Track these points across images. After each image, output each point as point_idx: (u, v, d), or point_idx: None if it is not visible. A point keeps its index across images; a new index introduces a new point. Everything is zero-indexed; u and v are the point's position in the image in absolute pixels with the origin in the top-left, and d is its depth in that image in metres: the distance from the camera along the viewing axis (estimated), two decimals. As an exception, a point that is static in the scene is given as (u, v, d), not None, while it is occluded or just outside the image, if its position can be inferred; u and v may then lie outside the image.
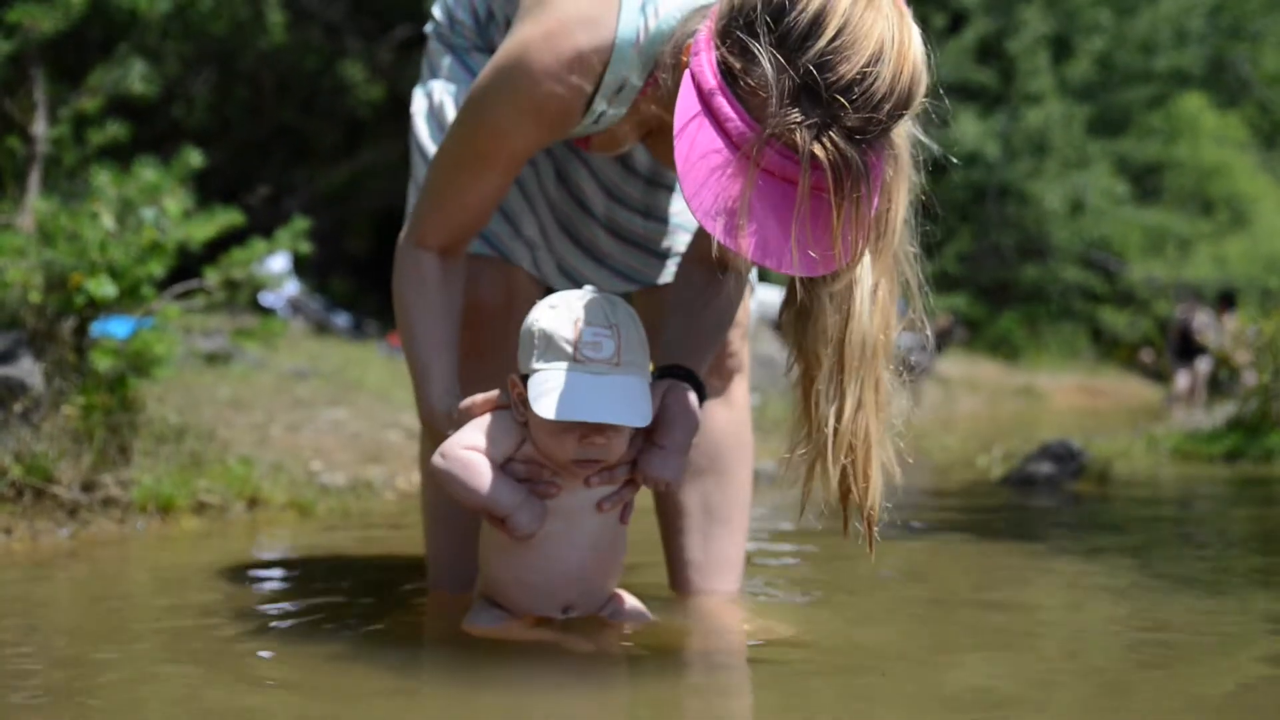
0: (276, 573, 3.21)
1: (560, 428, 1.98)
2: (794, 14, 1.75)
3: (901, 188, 1.89)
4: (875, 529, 1.99)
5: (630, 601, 2.27)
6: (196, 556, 3.38)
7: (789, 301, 2.01)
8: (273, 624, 2.44)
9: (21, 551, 3.30)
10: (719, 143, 1.79)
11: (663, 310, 2.39)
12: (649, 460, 2.09)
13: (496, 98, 2.08)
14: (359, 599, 2.67)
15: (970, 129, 20.44)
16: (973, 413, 12.36)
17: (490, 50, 2.43)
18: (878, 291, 1.92)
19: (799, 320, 1.99)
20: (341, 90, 13.87)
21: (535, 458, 2.07)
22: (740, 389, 2.59)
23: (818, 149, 1.74)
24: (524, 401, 2.02)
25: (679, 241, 2.54)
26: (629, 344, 2.01)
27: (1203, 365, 15.16)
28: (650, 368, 2.09)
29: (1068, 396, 16.71)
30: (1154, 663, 2.16)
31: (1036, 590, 2.92)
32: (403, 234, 2.26)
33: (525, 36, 2.05)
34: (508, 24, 2.38)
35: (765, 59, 1.76)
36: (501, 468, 2.06)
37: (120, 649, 2.26)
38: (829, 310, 1.92)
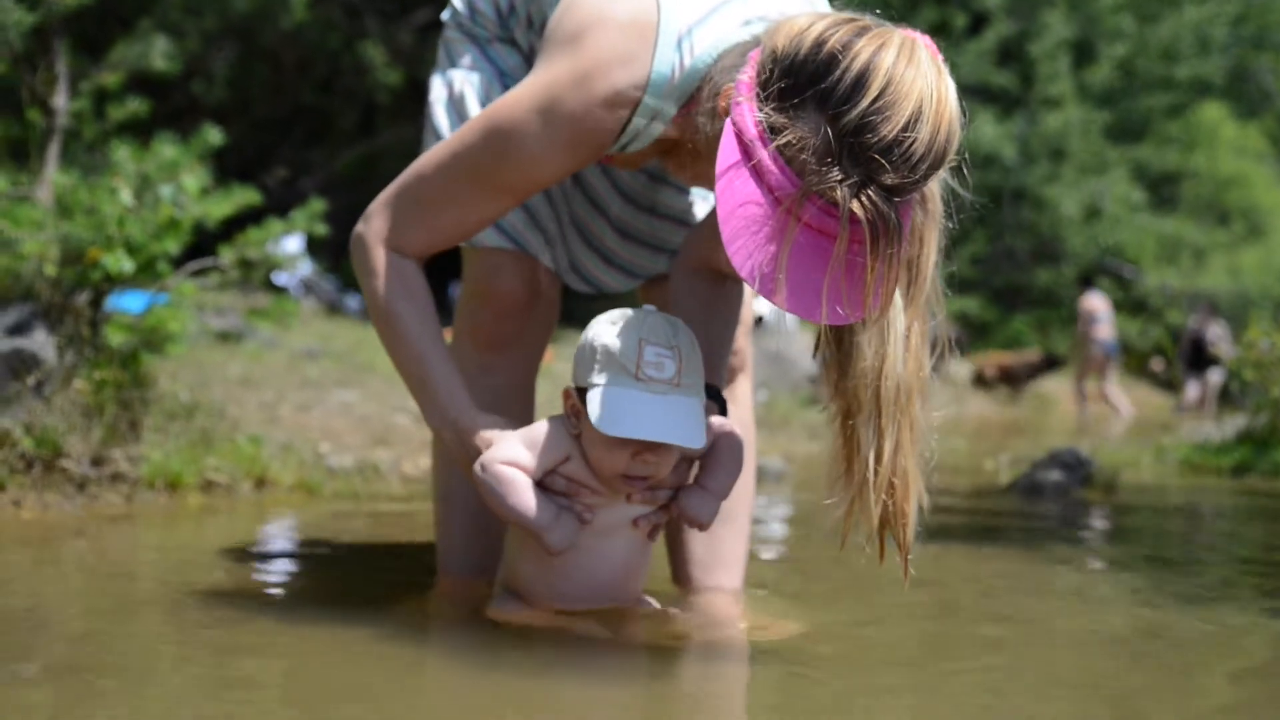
0: (283, 553, 3.22)
1: (615, 443, 2.01)
2: (839, 72, 1.77)
3: (933, 233, 1.93)
4: (910, 558, 2.04)
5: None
6: (203, 534, 3.40)
7: (824, 345, 2.04)
8: (279, 605, 2.45)
9: (30, 523, 3.31)
10: (758, 194, 1.81)
11: (667, 302, 2.40)
12: (689, 499, 2.14)
13: (529, 134, 2.04)
14: (366, 582, 2.67)
15: (988, 131, 20.42)
16: (981, 415, 12.35)
17: (511, 42, 2.43)
18: (911, 335, 1.96)
19: (837, 363, 2.03)
20: (361, 72, 13.89)
21: (578, 476, 2.09)
22: (744, 386, 2.59)
23: (856, 207, 1.77)
24: (577, 414, 2.06)
25: (680, 237, 2.55)
26: (690, 366, 2.04)
27: (1214, 376, 15.14)
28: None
29: (1077, 403, 16.66)
30: (1157, 675, 2.16)
31: (1041, 598, 2.92)
32: (374, 231, 2.16)
33: (560, 75, 2.03)
34: (529, 20, 2.37)
35: (808, 116, 1.78)
36: (540, 482, 2.08)
37: (127, 625, 2.26)
38: (865, 354, 1.95)
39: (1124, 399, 15.28)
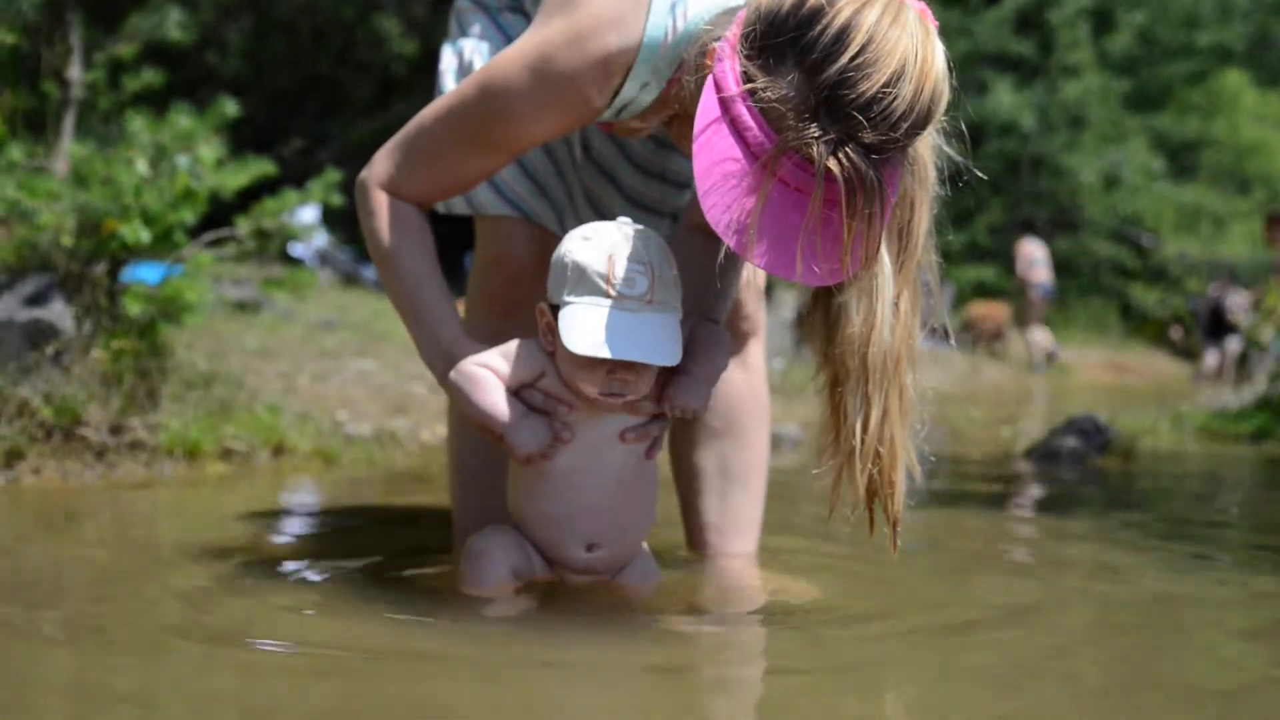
0: (301, 520, 3.24)
1: (589, 361, 1.97)
2: (819, 28, 1.76)
3: (924, 200, 1.90)
4: (899, 529, 2.02)
5: (644, 558, 2.25)
6: (222, 502, 3.42)
7: (811, 310, 2.02)
8: (296, 571, 2.47)
9: (50, 491, 3.33)
10: (736, 150, 1.80)
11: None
12: (677, 387, 2.09)
13: (520, 91, 2.05)
14: (383, 549, 2.69)
15: (1006, 99, 20.29)
16: (998, 385, 12.32)
17: (520, 11, 2.43)
18: (900, 302, 1.93)
19: (824, 329, 2.01)
20: (376, 43, 13.85)
21: (555, 392, 2.06)
22: (756, 351, 2.59)
23: (833, 164, 1.75)
24: (551, 331, 2.03)
25: (686, 200, 2.55)
26: (663, 281, 2.00)
27: (1232, 345, 15.07)
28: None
29: (1094, 372, 16.63)
30: (1171, 641, 2.16)
31: (1058, 562, 2.92)
32: (375, 176, 2.18)
33: (553, 35, 2.03)
34: None
35: (787, 72, 1.77)
36: (515, 393, 2.06)
37: (147, 589, 2.28)
38: (853, 321, 1.93)
39: (1049, 337, 15.47)
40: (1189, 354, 18.55)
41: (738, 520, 2.57)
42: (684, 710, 1.70)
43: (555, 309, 2.02)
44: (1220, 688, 1.88)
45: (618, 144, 2.49)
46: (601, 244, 2.00)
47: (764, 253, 1.79)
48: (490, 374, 2.05)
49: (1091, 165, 21.24)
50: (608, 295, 1.97)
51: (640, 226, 2.06)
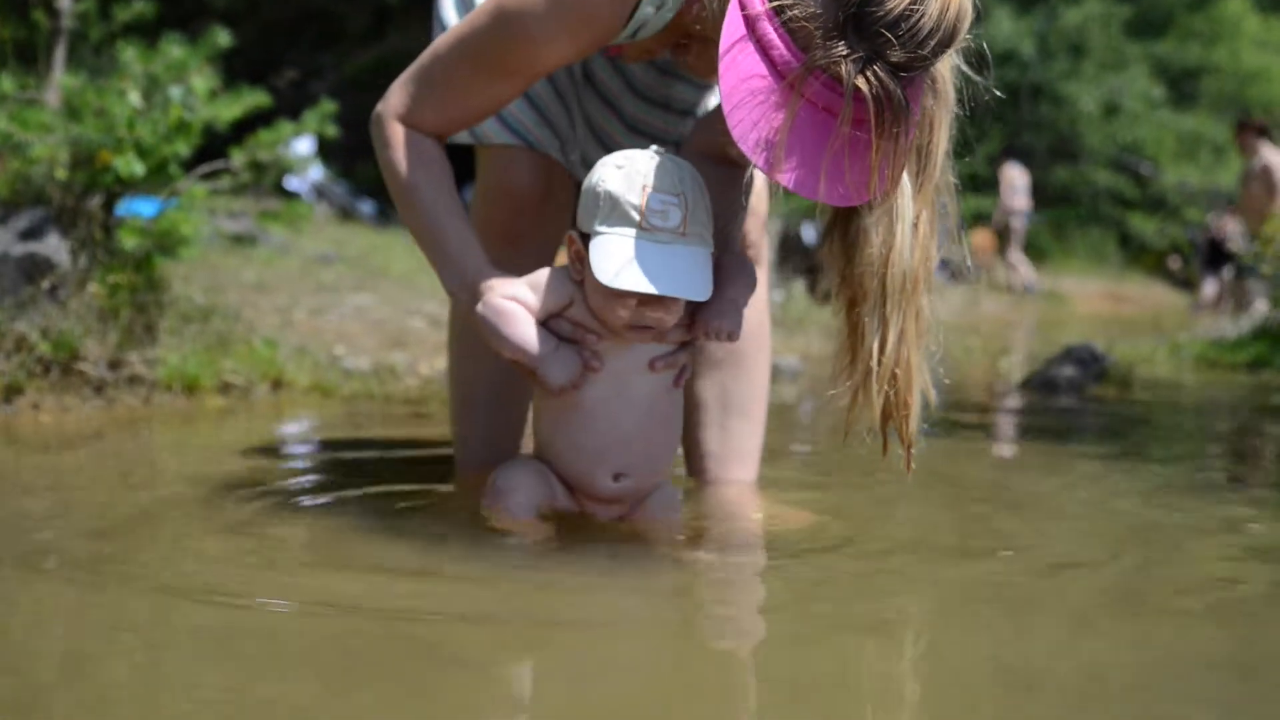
0: (300, 452, 3.25)
1: (617, 294, 1.95)
2: None
3: (944, 120, 1.89)
4: (913, 450, 2.02)
5: (666, 488, 2.24)
6: (221, 435, 3.42)
7: (831, 231, 2.01)
8: (297, 501, 2.48)
9: (49, 426, 3.34)
10: (763, 68, 1.79)
11: None
12: (710, 310, 2.06)
13: (536, 14, 2.02)
14: (383, 478, 2.70)
15: (1006, 27, 20.10)
16: (996, 315, 12.32)
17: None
18: (919, 224, 1.93)
19: (843, 250, 1.99)
20: (370, -28, 13.69)
21: (584, 322, 2.04)
22: (759, 280, 2.58)
23: (861, 82, 1.74)
24: (581, 259, 2.01)
25: (687, 127, 2.53)
26: (695, 214, 1.97)
27: (1231, 274, 15.04)
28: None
29: (1093, 302, 16.63)
30: (1166, 565, 2.17)
31: (1053, 489, 2.93)
32: (390, 108, 2.16)
33: None
34: None
35: None
36: (544, 323, 2.05)
37: (147, 523, 2.29)
38: (873, 241, 1.92)
39: (1029, 269, 15.64)
40: (1188, 284, 18.52)
41: (738, 450, 2.57)
42: (684, 638, 1.72)
43: (585, 237, 2.00)
44: (1215, 607, 1.90)
45: (620, 71, 2.46)
46: (635, 173, 1.97)
47: (790, 172, 1.78)
48: (518, 306, 2.03)
49: (1091, 93, 21.09)
50: (640, 226, 1.94)
51: (674, 156, 2.03)
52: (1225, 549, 2.31)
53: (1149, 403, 4.91)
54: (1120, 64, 21.81)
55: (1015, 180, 15.86)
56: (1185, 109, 22.98)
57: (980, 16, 1.87)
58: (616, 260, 1.92)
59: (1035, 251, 20.16)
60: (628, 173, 1.98)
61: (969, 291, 13.53)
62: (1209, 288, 15.52)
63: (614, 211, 1.96)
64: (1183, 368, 6.45)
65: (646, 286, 1.91)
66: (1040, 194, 21.52)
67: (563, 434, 2.11)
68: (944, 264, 2.08)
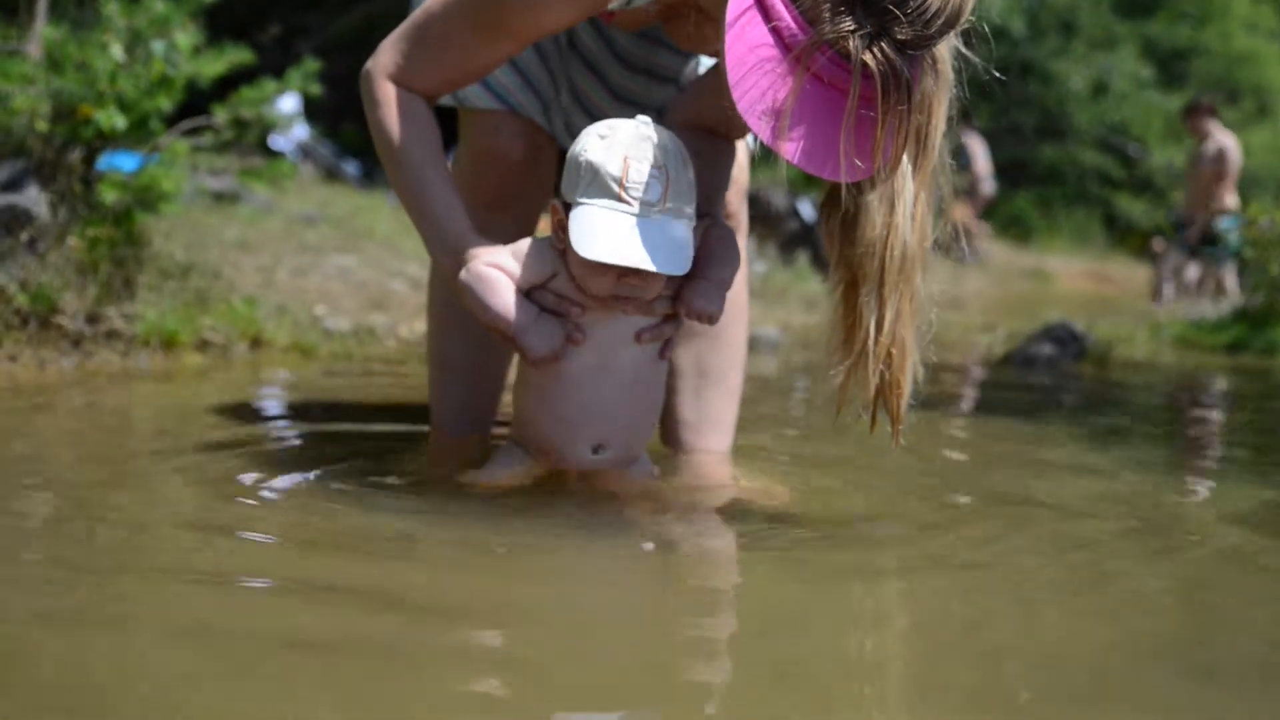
0: (278, 411, 3.25)
1: (598, 265, 1.95)
2: None
3: (942, 102, 1.89)
4: (901, 427, 2.04)
5: (643, 461, 2.25)
6: (199, 392, 3.42)
7: (831, 209, 2.01)
8: (274, 459, 2.48)
9: (26, 379, 3.33)
10: (769, 39, 1.78)
11: None
12: (693, 291, 2.07)
13: None
14: (360, 439, 2.70)
15: (997, 3, 20.05)
16: (980, 292, 12.34)
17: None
18: (916, 204, 1.94)
19: (842, 230, 2.00)
20: (359, -69, 13.57)
21: (567, 293, 2.04)
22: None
23: (868, 58, 1.75)
24: (563, 229, 2.00)
25: (669, 94, 2.52)
26: (677, 187, 1.96)
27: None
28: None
29: (1076, 281, 16.67)
30: (1137, 544, 2.19)
31: (1030, 467, 2.95)
32: (381, 66, 2.14)
33: None
34: None
35: None
36: (527, 294, 2.04)
37: (125, 476, 2.29)
38: (874, 222, 1.93)
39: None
40: (1176, 272, 18.54)
41: (713, 418, 2.58)
42: (649, 605, 1.73)
43: (569, 206, 1.99)
44: (1182, 591, 1.91)
45: (604, 37, 2.46)
46: (617, 144, 1.96)
47: (794, 143, 1.78)
48: (501, 274, 2.02)
49: (1080, 72, 21.08)
50: (620, 199, 1.93)
51: (660, 126, 2.02)
52: (1197, 534, 2.33)
53: (1126, 383, 4.94)
54: (1110, 43, 21.79)
55: (977, 149, 15.94)
56: (1174, 90, 22.96)
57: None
58: (595, 232, 1.92)
59: (1020, 229, 20.19)
60: (609, 143, 1.97)
61: (953, 267, 13.55)
62: (1191, 271, 15.56)
63: (594, 182, 1.95)
64: (1162, 348, 6.48)
65: (623, 259, 1.90)
66: (1027, 172, 21.55)
67: (544, 405, 2.10)
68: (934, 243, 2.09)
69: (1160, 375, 5.40)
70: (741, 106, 1.77)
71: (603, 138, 1.98)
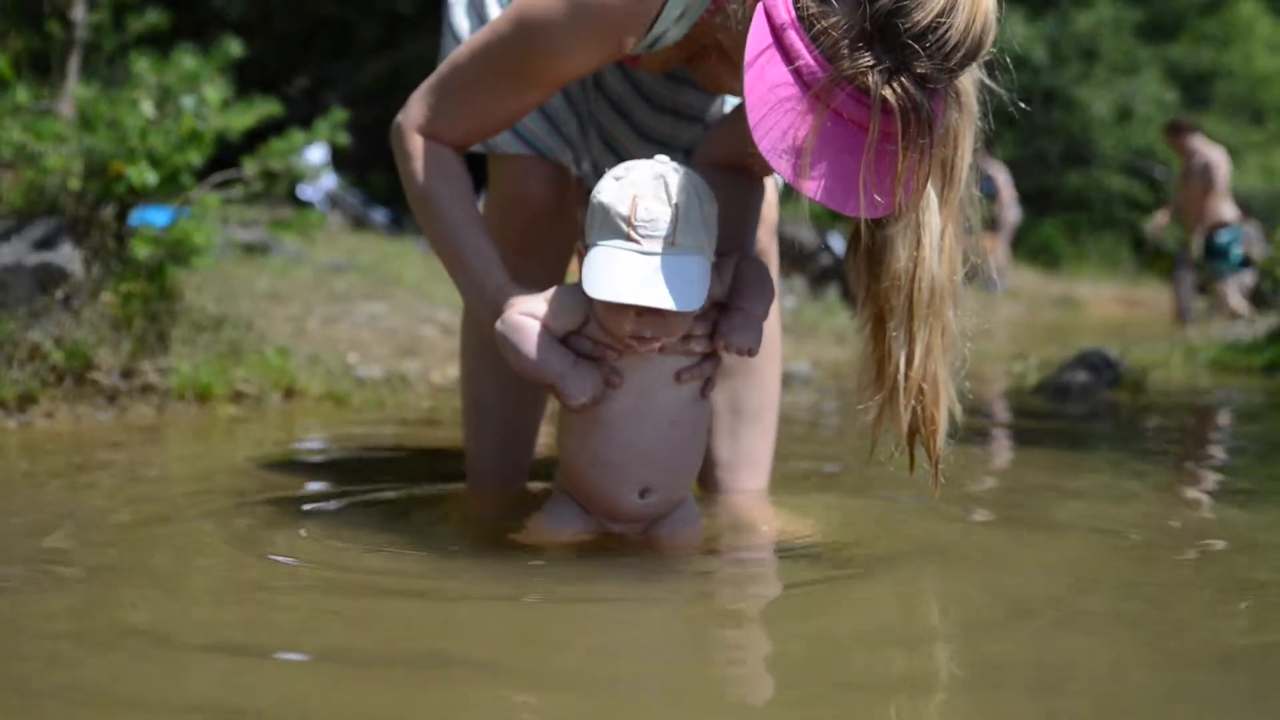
0: (313, 461, 3.25)
1: (617, 306, 1.94)
2: None
3: (968, 134, 1.89)
4: (941, 467, 2.02)
5: (688, 505, 2.23)
6: (234, 444, 3.43)
7: (857, 245, 2.00)
8: (309, 511, 2.48)
9: (63, 434, 3.35)
10: (788, 78, 1.79)
11: None
12: (729, 325, 2.07)
13: (557, 22, 2.02)
14: (395, 488, 2.70)
15: (1018, 32, 20.05)
16: (1010, 320, 12.29)
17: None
18: (945, 238, 1.93)
19: (868, 265, 1.99)
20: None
21: (601, 338, 2.03)
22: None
23: (888, 94, 1.75)
24: None
25: (697, 134, 2.53)
26: (688, 223, 1.95)
27: (1246, 278, 14.99)
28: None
29: (1106, 307, 16.58)
30: (1182, 572, 2.16)
31: (1066, 496, 2.92)
32: (410, 120, 2.16)
33: None
34: None
35: (841, 1, 1.76)
36: (564, 340, 2.04)
37: (161, 530, 2.30)
38: (899, 256, 1.92)
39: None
40: (1202, 289, 18.44)
41: (749, 457, 2.57)
42: (694, 649, 1.72)
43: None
44: (1229, 627, 1.89)
45: (630, 78, 2.47)
46: (628, 184, 1.96)
47: (816, 181, 1.78)
48: (536, 323, 2.02)
49: (1104, 98, 21.05)
50: (629, 238, 1.93)
51: (677, 165, 2.02)
52: (1245, 562, 2.30)
53: (1163, 407, 4.90)
54: (1132, 68, 21.76)
55: (999, 178, 15.97)
56: (1198, 113, 22.89)
57: (1003, 30, 1.87)
58: (602, 272, 1.92)
59: (1049, 257, 20.12)
60: (622, 184, 1.97)
61: (985, 296, 13.52)
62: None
63: (605, 223, 1.95)
64: (1197, 372, 6.43)
65: (629, 298, 1.90)
66: (1054, 200, 21.50)
67: (587, 449, 2.09)
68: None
69: (1197, 399, 5.35)
70: (763, 147, 1.77)
71: (617, 179, 1.99)
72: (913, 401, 1.96)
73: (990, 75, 1.93)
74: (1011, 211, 15.49)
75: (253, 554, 2.09)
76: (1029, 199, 21.03)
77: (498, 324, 2.05)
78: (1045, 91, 20.90)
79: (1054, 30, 21.12)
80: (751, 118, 1.78)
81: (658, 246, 1.93)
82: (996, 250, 15.66)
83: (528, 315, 2.03)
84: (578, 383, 2.01)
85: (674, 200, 1.95)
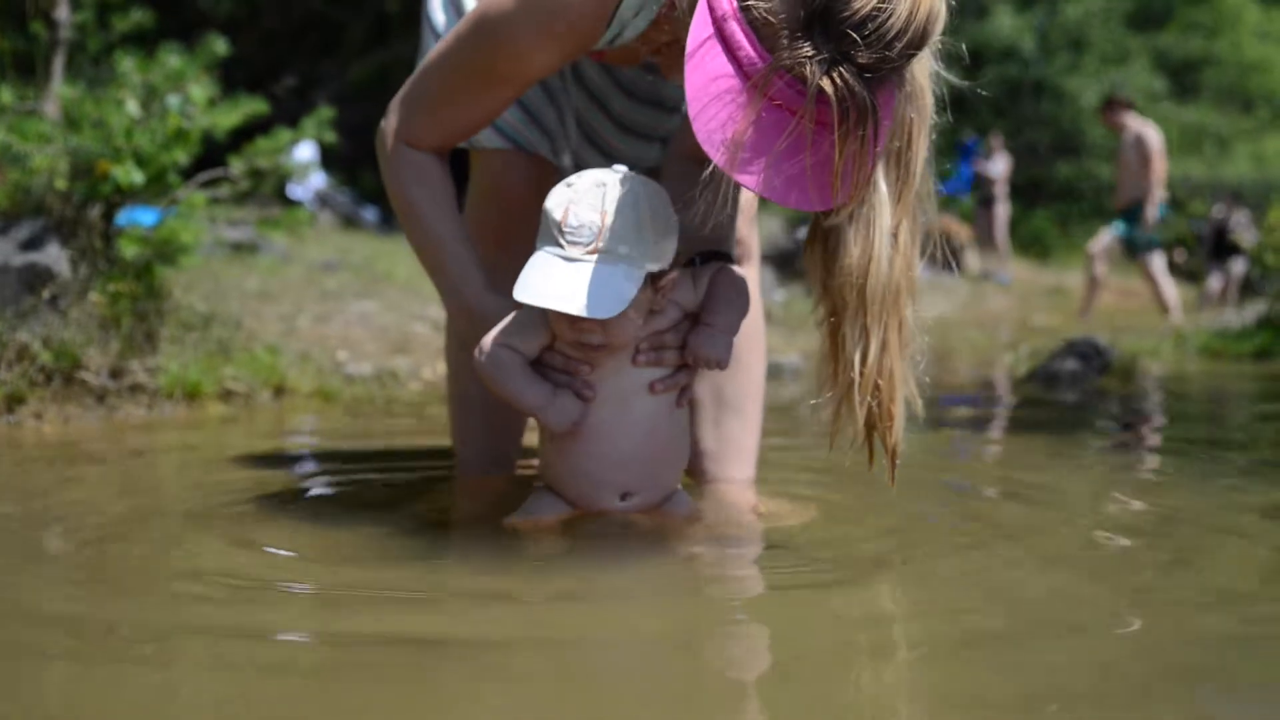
0: (303, 456, 3.26)
1: (559, 314, 1.97)
2: None
3: (922, 128, 1.87)
4: (897, 461, 2.01)
5: (678, 494, 2.24)
6: (224, 441, 3.43)
7: (812, 240, 2.00)
8: (300, 504, 2.48)
9: (52, 434, 3.35)
10: (729, 69, 1.77)
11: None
12: (697, 339, 2.09)
13: (518, 21, 2.03)
14: (385, 481, 2.70)
15: (1007, 23, 20.09)
16: (1002, 310, 12.31)
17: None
18: (899, 233, 1.91)
19: (822, 260, 1.98)
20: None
21: (571, 351, 2.06)
22: (749, 275, 2.58)
23: (826, 84, 1.72)
24: None
25: (676, 124, 2.53)
26: (617, 232, 1.95)
27: (1237, 266, 15.03)
28: (661, 256, 2.03)
29: (1099, 296, 16.58)
30: (1171, 556, 2.17)
31: (1057, 484, 2.93)
32: (390, 128, 2.19)
33: None
34: None
35: None
36: (539, 360, 2.07)
37: (152, 528, 2.30)
38: (851, 251, 1.90)
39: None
40: (1193, 277, 18.47)
41: (734, 446, 2.58)
42: (683, 643, 1.72)
43: None
44: (1219, 605, 1.89)
45: (609, 70, 2.47)
46: (570, 191, 1.99)
47: (754, 174, 1.76)
48: (512, 355, 2.06)
49: (1093, 88, 21.07)
50: (558, 244, 1.97)
51: (633, 176, 2.02)
52: (1233, 546, 2.30)
53: (1152, 395, 4.91)
54: (1121, 57, 21.80)
55: (1001, 166, 16.00)
56: (1187, 101, 22.94)
57: (959, 21, 1.86)
58: (527, 275, 1.95)
59: (1040, 248, 20.15)
60: (563, 191, 2.00)
61: (973, 286, 13.52)
62: (1214, 281, 15.50)
63: (544, 230, 2.00)
64: (1187, 359, 6.44)
65: (537, 300, 1.92)
66: (1044, 191, 21.53)
67: (563, 459, 2.12)
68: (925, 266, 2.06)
69: (1186, 386, 5.36)
70: (701, 138, 1.76)
71: (568, 185, 2.01)
72: (868, 398, 1.95)
73: (959, 65, 1.91)
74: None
75: (243, 550, 2.09)
76: (1019, 190, 21.07)
77: (476, 353, 2.08)
78: (1034, 82, 20.93)
79: (1043, 21, 21.14)
80: (691, 109, 1.76)
81: (579, 253, 1.95)
82: (997, 241, 15.64)
83: (504, 346, 2.05)
84: (559, 413, 2.05)
85: (604, 208, 1.96)
